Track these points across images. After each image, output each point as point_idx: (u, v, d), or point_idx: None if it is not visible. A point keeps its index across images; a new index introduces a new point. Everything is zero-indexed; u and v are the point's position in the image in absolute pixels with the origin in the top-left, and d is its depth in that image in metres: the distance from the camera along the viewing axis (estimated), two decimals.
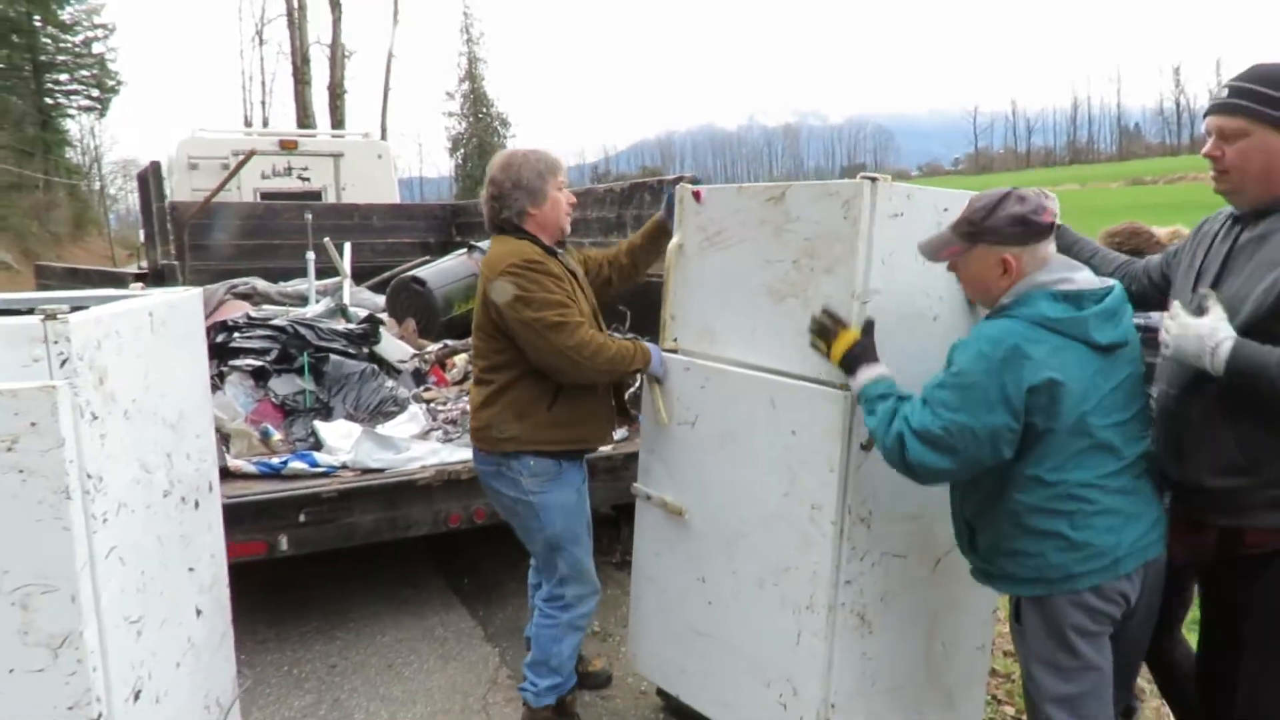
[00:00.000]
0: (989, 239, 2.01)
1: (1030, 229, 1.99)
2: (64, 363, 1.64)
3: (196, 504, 2.34)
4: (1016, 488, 2.00)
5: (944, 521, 2.42)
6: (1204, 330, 1.87)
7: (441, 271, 5.68)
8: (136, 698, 1.85)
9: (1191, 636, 2.42)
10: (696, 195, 2.70)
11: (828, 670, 2.38)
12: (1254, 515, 1.94)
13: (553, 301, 2.59)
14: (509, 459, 2.76)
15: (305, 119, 25.29)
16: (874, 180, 2.23)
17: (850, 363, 2.16)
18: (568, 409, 2.75)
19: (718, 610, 2.70)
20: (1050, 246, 2.05)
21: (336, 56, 26.23)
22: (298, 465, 3.61)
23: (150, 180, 5.25)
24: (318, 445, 3.87)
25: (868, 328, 2.20)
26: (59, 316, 1.64)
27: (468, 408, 3.13)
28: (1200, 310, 1.91)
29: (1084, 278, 2.00)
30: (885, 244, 2.24)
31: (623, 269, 3.10)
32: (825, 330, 2.22)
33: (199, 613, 2.31)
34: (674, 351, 2.82)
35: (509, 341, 2.68)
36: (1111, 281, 2.04)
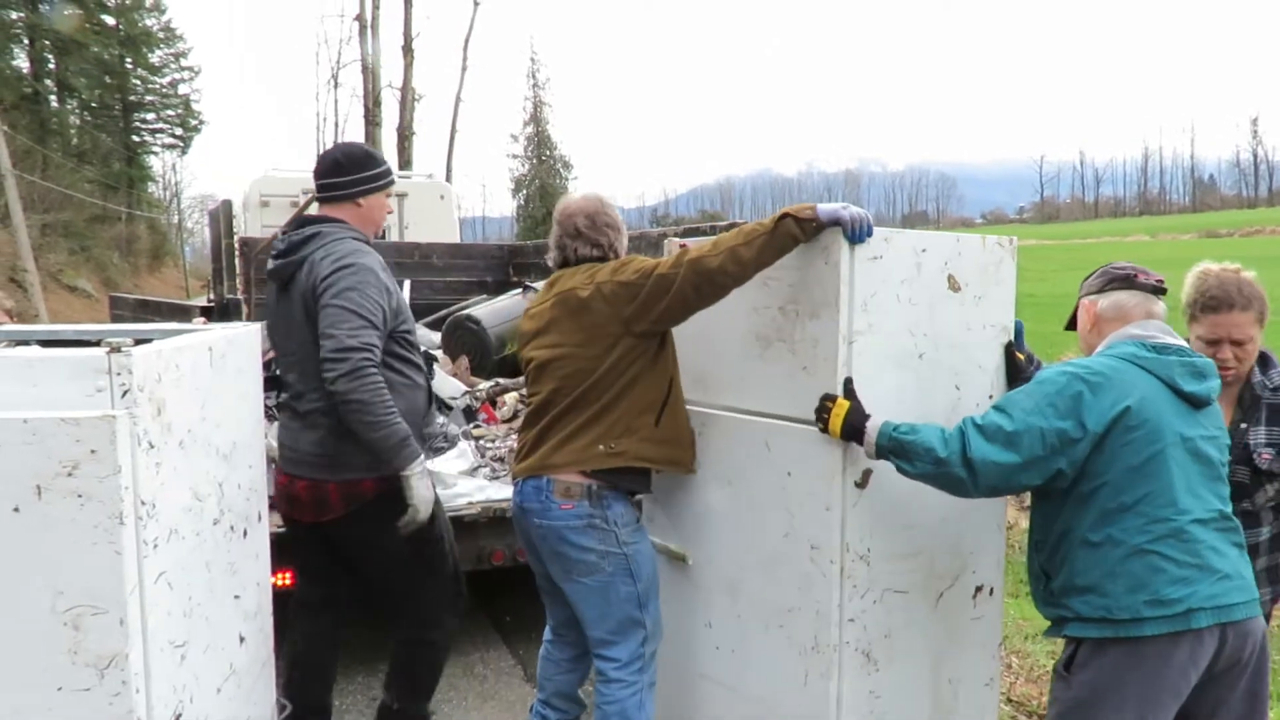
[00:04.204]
0: (1083, 292, 2.32)
1: (1108, 277, 2.25)
2: (125, 393, 1.71)
3: (245, 533, 2.41)
4: (1092, 518, 2.01)
5: (944, 557, 2.49)
6: None
7: (496, 310, 5.77)
8: None
9: None
10: (684, 247, 2.67)
11: (837, 710, 2.37)
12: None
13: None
14: (604, 508, 2.54)
15: None
16: None
17: (851, 431, 2.24)
18: (670, 425, 2.62)
19: (725, 655, 2.70)
20: (1138, 301, 2.20)
21: (407, 100, 27.03)
22: None
23: (220, 218, 5.47)
24: None
25: (849, 391, 2.28)
26: (123, 349, 1.72)
27: (516, 446, 3.08)
28: None
29: (1176, 341, 2.12)
30: (866, 286, 2.34)
31: None
32: (823, 411, 2.30)
33: (242, 640, 2.37)
34: None
35: (611, 350, 2.52)
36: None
